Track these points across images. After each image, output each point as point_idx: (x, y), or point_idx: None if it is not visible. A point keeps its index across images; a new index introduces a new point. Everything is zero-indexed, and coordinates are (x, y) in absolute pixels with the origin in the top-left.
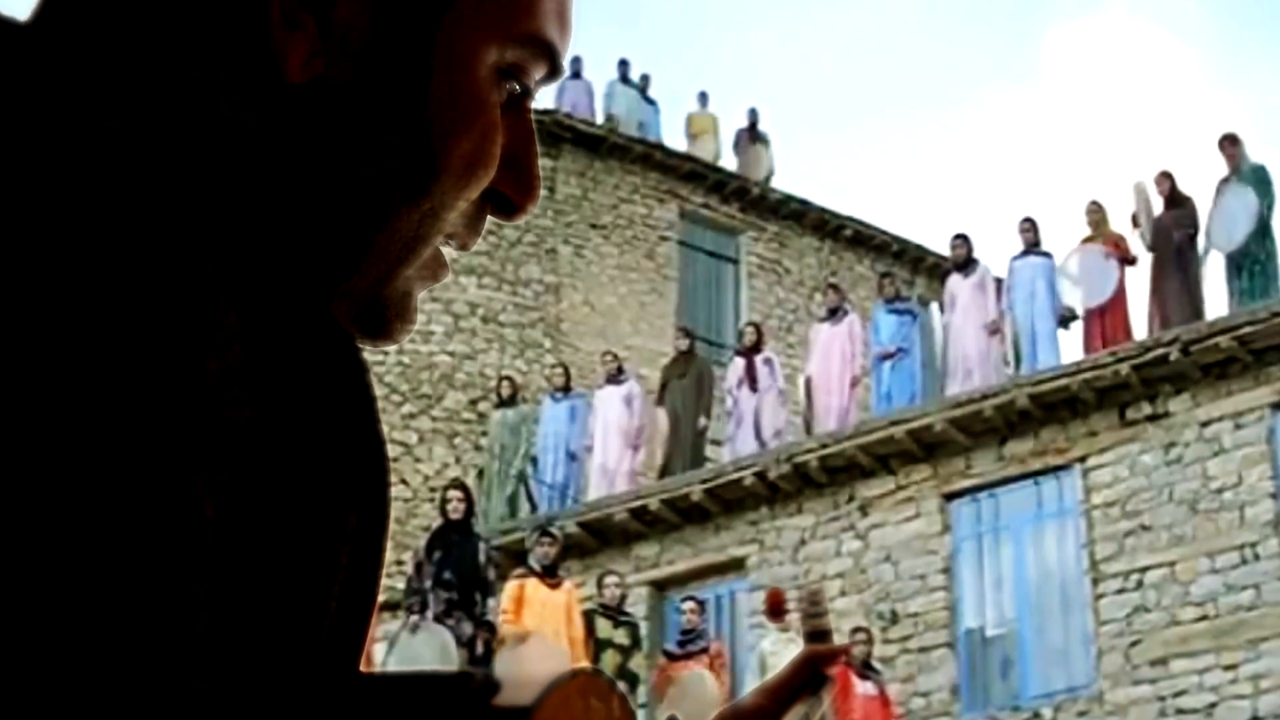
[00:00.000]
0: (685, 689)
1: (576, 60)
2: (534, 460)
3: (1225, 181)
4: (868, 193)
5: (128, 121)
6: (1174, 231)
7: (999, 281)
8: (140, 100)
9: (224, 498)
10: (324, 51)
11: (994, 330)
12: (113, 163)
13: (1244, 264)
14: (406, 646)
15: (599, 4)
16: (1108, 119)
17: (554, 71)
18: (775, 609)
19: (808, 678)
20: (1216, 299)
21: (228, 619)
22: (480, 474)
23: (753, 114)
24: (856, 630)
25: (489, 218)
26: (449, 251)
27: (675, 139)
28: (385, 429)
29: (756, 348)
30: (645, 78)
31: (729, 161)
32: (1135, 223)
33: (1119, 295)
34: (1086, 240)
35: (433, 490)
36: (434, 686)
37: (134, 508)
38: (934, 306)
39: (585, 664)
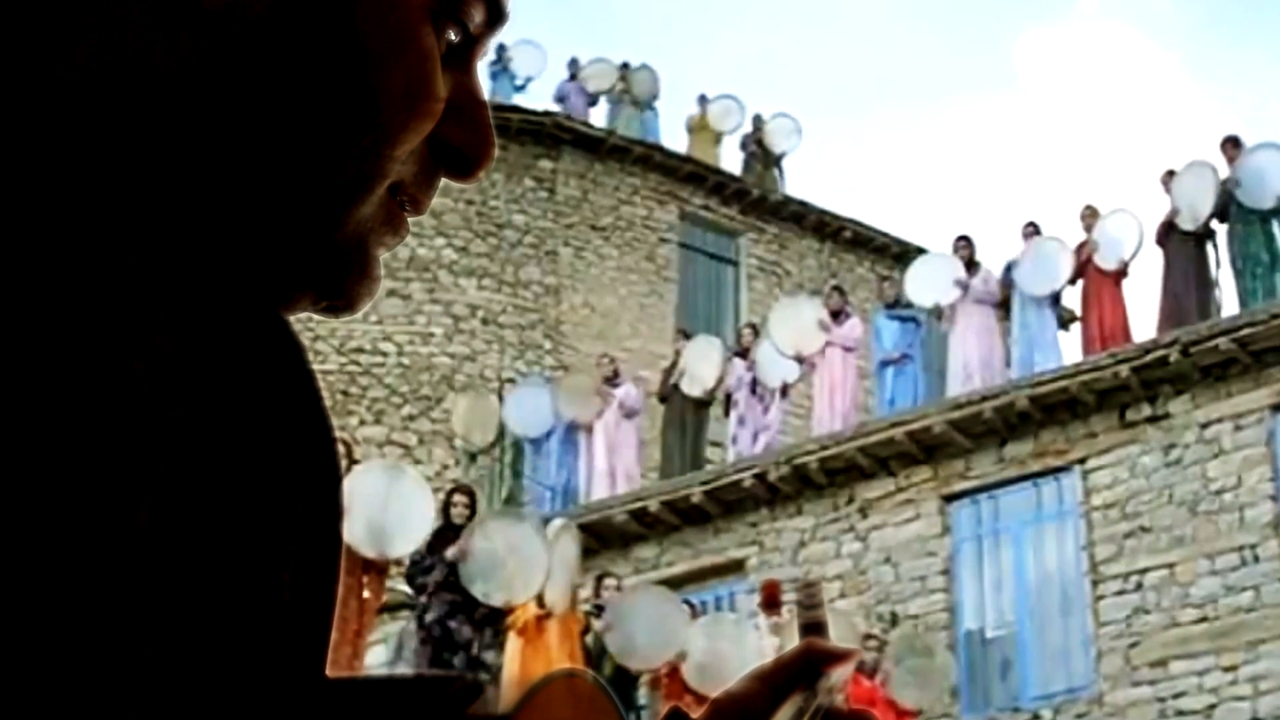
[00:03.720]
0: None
1: (574, 63)
2: (533, 461)
3: (1247, 148)
4: (859, 193)
5: (31, 89)
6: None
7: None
8: (49, 58)
9: (158, 499)
10: None
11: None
12: (11, 146)
13: (1247, 266)
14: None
15: (600, 7)
16: (1094, 121)
17: (495, 14)
18: (770, 601)
19: (803, 669)
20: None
21: (171, 624)
22: (478, 476)
23: (757, 120)
24: (868, 637)
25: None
26: (451, 255)
27: (675, 141)
28: (385, 431)
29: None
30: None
31: (730, 163)
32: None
33: (1117, 301)
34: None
35: (434, 492)
36: (412, 690)
37: (62, 519)
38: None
39: (572, 665)
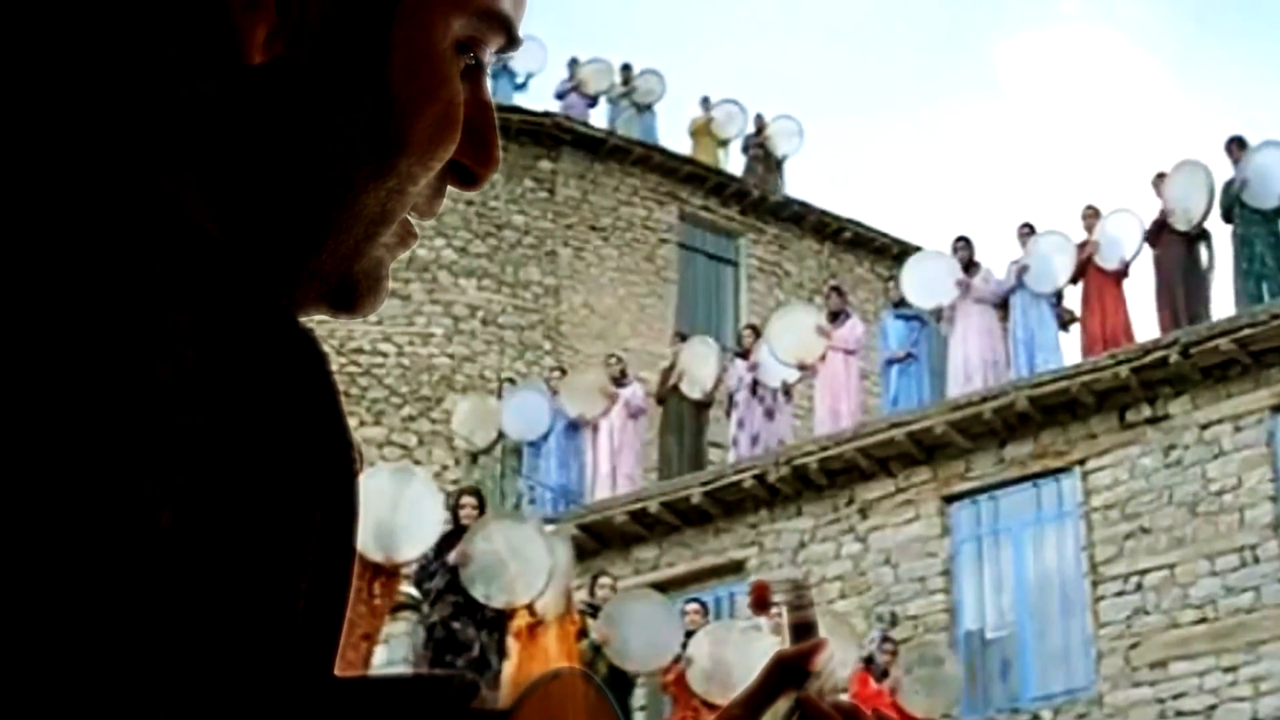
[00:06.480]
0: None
1: (574, 63)
2: (534, 462)
3: (1249, 147)
4: (859, 194)
5: (71, 113)
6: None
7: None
8: (89, 88)
9: (181, 503)
10: (283, 31)
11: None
12: (50, 162)
13: (1251, 269)
14: (484, 552)
15: (600, 8)
16: (1083, 124)
17: (510, 43)
18: (760, 601)
19: (782, 679)
20: (1222, 301)
21: (191, 626)
22: (480, 476)
23: (759, 121)
24: (885, 640)
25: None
26: (451, 255)
27: (675, 142)
28: (385, 432)
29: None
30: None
31: (733, 166)
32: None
33: (1117, 301)
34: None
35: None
36: (414, 688)
37: (87, 521)
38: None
39: (568, 665)
